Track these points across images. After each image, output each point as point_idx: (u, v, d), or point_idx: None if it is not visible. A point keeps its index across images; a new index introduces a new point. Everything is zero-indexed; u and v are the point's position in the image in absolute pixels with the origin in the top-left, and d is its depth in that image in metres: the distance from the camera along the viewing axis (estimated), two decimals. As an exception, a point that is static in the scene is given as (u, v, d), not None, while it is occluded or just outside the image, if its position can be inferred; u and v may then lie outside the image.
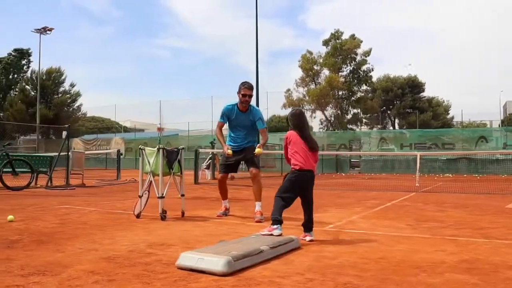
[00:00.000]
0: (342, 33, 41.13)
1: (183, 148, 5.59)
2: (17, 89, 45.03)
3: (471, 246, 3.71)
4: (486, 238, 4.14)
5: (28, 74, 46.04)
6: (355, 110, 43.52)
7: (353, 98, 42.64)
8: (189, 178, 15.94)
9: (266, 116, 50.04)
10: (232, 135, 5.75)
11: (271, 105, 56.61)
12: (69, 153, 11.57)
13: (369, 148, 28.93)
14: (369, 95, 43.35)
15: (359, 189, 11.61)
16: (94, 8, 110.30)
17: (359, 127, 43.46)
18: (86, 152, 31.24)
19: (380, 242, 3.88)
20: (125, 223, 4.97)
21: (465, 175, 22.27)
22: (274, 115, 55.30)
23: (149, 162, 5.35)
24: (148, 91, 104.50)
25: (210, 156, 17.75)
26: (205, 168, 18.15)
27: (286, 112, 47.24)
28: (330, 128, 42.21)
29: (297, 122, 3.98)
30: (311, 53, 41.81)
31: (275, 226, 3.69)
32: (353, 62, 41.77)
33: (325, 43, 41.60)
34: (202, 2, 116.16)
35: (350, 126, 42.09)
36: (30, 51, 45.84)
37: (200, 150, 17.69)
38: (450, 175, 23.01)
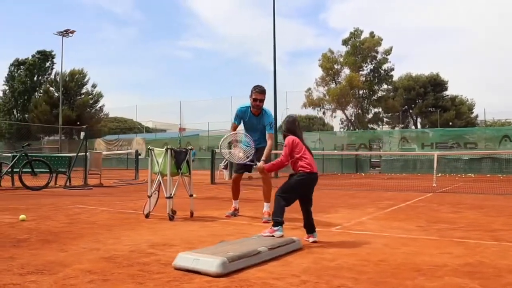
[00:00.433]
0: (361, 31, 40.73)
1: (191, 149, 5.61)
2: (41, 91, 46.11)
3: (479, 249, 3.62)
4: (496, 240, 4.02)
5: (52, 75, 47.14)
6: (376, 109, 43.05)
7: (374, 97, 42.18)
8: (206, 178, 16.08)
9: (285, 116, 49.96)
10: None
11: (291, 105, 56.40)
12: (87, 153, 11.76)
13: (389, 148, 28.53)
14: (391, 94, 42.79)
15: (376, 190, 11.46)
16: (118, 10, 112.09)
17: (380, 126, 42.95)
18: (108, 152, 31.83)
19: (384, 244, 3.81)
20: (133, 223, 5.02)
21: (488, 175, 21.74)
22: (295, 114, 55.05)
23: (157, 163, 5.40)
24: (169, 92, 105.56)
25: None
26: (223, 168, 18.21)
27: (307, 111, 47.12)
28: (351, 128, 41.84)
29: (294, 127, 4.02)
30: (332, 52, 41.54)
31: (276, 228, 3.68)
32: (374, 60, 41.33)
33: (345, 42, 41.26)
34: (224, 2, 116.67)
35: (371, 126, 41.63)
36: (53, 53, 46.92)
37: (217, 150, 17.74)
38: (472, 175, 22.49)
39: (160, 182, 5.43)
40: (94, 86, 46.75)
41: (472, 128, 33.00)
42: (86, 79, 46.39)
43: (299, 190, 3.83)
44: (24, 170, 9.90)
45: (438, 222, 5.27)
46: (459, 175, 22.57)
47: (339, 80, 41.65)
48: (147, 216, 5.37)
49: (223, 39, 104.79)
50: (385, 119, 44.59)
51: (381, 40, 39.88)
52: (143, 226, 4.79)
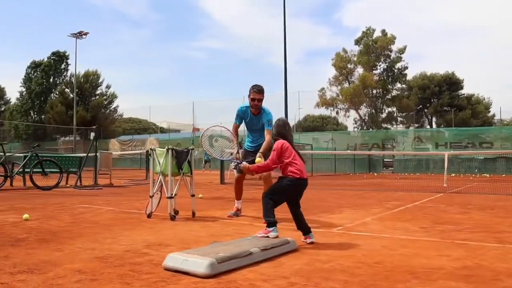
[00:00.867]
0: (374, 30, 40.40)
1: (193, 149, 5.61)
2: (57, 92, 46.80)
3: (480, 251, 3.52)
4: (499, 242, 3.92)
5: (67, 77, 47.83)
6: (390, 109, 42.65)
7: (387, 96, 41.81)
8: (216, 178, 16.10)
9: (299, 115, 49.76)
10: (250, 136, 5.82)
11: (305, 105, 56.04)
12: (97, 153, 11.87)
13: (403, 148, 28.21)
14: (405, 93, 42.33)
15: (385, 190, 11.32)
16: (132, 12, 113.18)
17: (394, 126, 42.51)
18: (121, 152, 32.12)
19: (383, 245, 3.74)
20: (135, 222, 5.04)
21: (503, 175, 21.34)
22: (308, 114, 54.78)
23: (159, 163, 5.40)
24: (184, 92, 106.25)
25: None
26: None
27: (320, 111, 46.92)
28: (364, 128, 41.51)
29: (284, 131, 3.96)
30: (345, 51, 41.29)
31: (270, 229, 3.64)
32: (388, 59, 40.96)
33: (357, 42, 40.98)
34: (238, 3, 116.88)
35: (384, 125, 41.23)
36: (67, 54, 47.57)
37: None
38: (487, 175, 22.09)
39: (161, 182, 5.43)
40: (108, 87, 47.36)
41: (488, 127, 32.44)
42: (100, 80, 46.98)
43: (287, 194, 3.78)
44: (34, 170, 10.03)
45: (443, 223, 5.17)
46: (473, 175, 22.20)
47: (352, 79, 41.39)
48: (149, 216, 5.38)
49: (237, 39, 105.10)
50: (399, 119, 44.14)
51: (394, 38, 39.51)
52: (144, 226, 4.80)
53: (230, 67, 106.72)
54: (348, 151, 28.70)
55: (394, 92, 42.21)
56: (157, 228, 4.62)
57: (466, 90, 42.90)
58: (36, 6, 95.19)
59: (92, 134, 12.50)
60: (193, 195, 5.56)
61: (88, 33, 38.64)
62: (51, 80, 47.40)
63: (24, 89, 48.63)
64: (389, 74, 41.00)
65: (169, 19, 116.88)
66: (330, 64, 42.15)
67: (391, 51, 40.36)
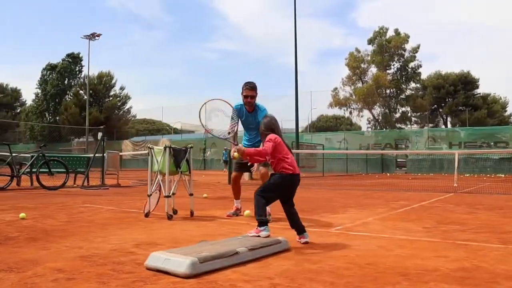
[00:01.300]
0: (387, 29, 39.97)
1: (191, 147, 5.53)
2: (71, 94, 47.36)
3: (480, 252, 3.36)
4: (502, 243, 3.74)
5: (82, 79, 48.37)
6: (404, 109, 42.14)
7: (401, 96, 41.32)
8: (224, 178, 16.05)
9: (311, 115, 49.48)
10: (247, 134, 5.73)
11: (318, 105, 55.65)
12: (104, 154, 11.90)
13: (416, 147, 27.79)
14: (419, 93, 41.78)
15: (394, 190, 11.11)
16: (146, 14, 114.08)
17: (409, 125, 41.97)
18: (134, 153, 32.29)
19: (379, 246, 3.60)
20: (131, 222, 4.97)
21: (519, 176, 20.85)
22: (322, 114, 54.44)
23: (157, 161, 5.33)
24: (197, 93, 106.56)
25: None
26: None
27: (333, 111, 46.60)
28: (378, 127, 41.08)
29: (273, 126, 3.85)
30: (359, 51, 40.94)
31: (262, 228, 3.53)
32: (401, 59, 40.48)
33: (370, 41, 40.59)
34: (252, 3, 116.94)
35: (398, 125, 40.74)
36: (81, 55, 48.11)
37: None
38: (502, 175, 21.60)
39: (159, 181, 5.37)
40: (122, 88, 47.75)
41: (504, 126, 31.78)
42: (114, 81, 47.38)
43: (280, 190, 3.67)
44: (41, 170, 10.08)
45: (448, 223, 4.99)
46: (487, 175, 21.73)
47: (366, 79, 41.01)
48: (146, 215, 5.32)
49: (250, 40, 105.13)
50: (413, 119, 43.58)
51: (408, 37, 39.04)
52: (139, 225, 4.73)
53: (243, 67, 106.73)
54: (360, 150, 28.37)
55: (408, 92, 41.70)
56: (152, 228, 4.55)
57: (482, 90, 42.20)
58: (49, 9, 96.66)
59: (100, 134, 12.51)
60: (191, 194, 5.48)
61: (101, 34, 39.03)
62: (66, 82, 48.01)
63: (39, 91, 49.35)
64: (403, 73, 40.51)
65: (182, 20, 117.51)
66: (344, 64, 41.89)
67: (404, 50, 39.89)
